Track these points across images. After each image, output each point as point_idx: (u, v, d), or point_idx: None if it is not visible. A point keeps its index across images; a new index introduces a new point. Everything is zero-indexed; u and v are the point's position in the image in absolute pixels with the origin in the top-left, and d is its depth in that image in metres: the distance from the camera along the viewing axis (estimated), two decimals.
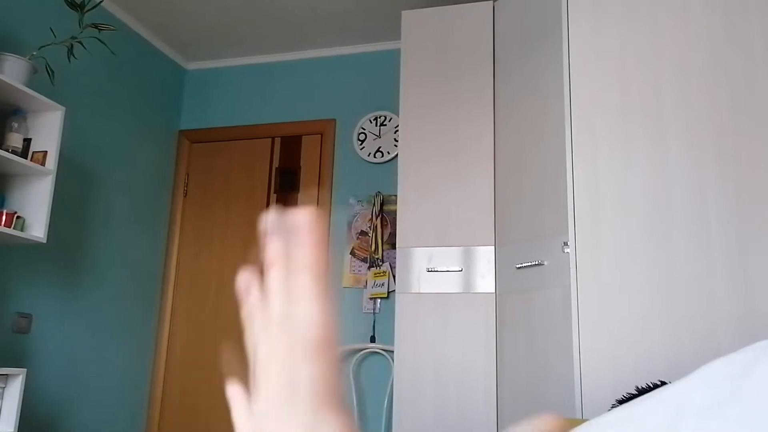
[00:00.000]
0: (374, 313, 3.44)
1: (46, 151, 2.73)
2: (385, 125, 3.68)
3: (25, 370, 2.55)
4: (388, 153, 3.63)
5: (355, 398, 3.38)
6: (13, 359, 2.82)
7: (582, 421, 1.68)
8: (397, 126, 3.54)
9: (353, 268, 3.56)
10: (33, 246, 2.87)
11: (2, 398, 2.49)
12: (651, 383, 1.77)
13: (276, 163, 3.90)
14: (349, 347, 3.40)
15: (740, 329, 1.96)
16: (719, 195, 2.07)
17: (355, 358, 3.41)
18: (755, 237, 2.01)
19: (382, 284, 3.41)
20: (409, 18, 2.93)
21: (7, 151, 2.58)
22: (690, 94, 2.16)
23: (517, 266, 2.40)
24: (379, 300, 3.44)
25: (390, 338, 3.11)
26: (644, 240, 2.10)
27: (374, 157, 3.67)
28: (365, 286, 3.49)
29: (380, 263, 3.46)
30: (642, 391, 1.75)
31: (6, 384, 2.50)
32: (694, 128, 2.13)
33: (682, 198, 2.10)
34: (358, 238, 3.59)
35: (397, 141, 3.55)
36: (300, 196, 3.81)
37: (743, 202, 2.05)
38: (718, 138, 2.11)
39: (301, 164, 3.85)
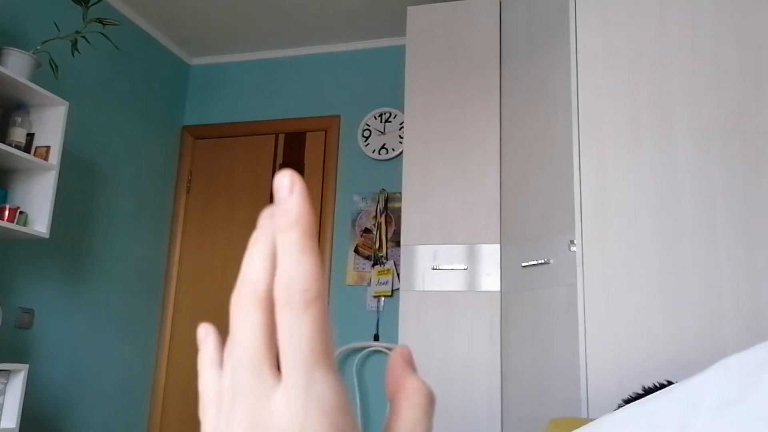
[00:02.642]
0: (378, 312, 3.43)
1: (49, 146, 2.73)
2: (390, 122, 3.67)
3: (28, 365, 2.54)
4: (393, 150, 3.62)
5: (358, 397, 3.37)
6: (16, 355, 2.81)
7: (588, 420, 1.67)
8: (402, 123, 3.53)
9: (357, 266, 3.55)
10: (36, 241, 2.87)
11: (4, 394, 2.48)
12: (657, 383, 1.76)
13: (280, 160, 3.90)
14: (353, 345, 3.39)
15: (746, 328, 1.95)
16: (726, 194, 2.05)
17: (358, 357, 3.40)
18: (762, 236, 2.00)
19: (386, 282, 3.40)
20: (415, 14, 2.92)
21: (10, 145, 2.58)
22: (698, 94, 2.15)
23: (523, 264, 2.39)
24: (382, 298, 3.43)
25: (394, 336, 3.10)
26: (651, 238, 2.08)
27: (379, 154, 3.66)
28: (369, 284, 3.48)
29: (384, 261, 3.45)
30: (648, 391, 1.73)
31: (8, 379, 2.50)
32: (702, 128, 2.12)
33: (689, 197, 2.08)
34: (362, 236, 3.58)
35: (402, 138, 3.53)
36: None
37: (750, 201, 2.03)
38: (726, 137, 2.09)
39: (305, 161, 3.85)
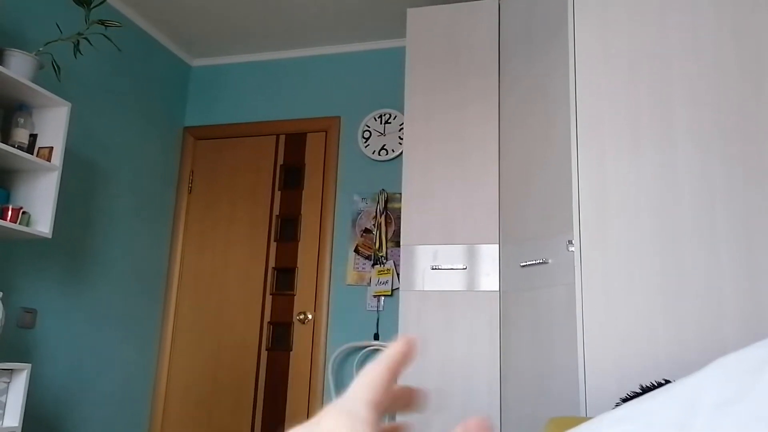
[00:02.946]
0: (378, 311, 3.44)
1: (51, 147, 2.74)
2: (390, 123, 3.68)
3: (30, 365, 2.55)
4: (393, 151, 3.62)
5: None
6: (18, 354, 2.82)
7: (587, 419, 1.68)
8: (402, 124, 3.53)
9: (357, 266, 3.55)
10: (38, 241, 2.87)
11: (7, 393, 2.49)
12: (655, 382, 1.77)
13: (280, 161, 3.90)
14: (353, 344, 3.39)
15: (746, 328, 1.95)
16: (726, 195, 2.06)
17: (358, 356, 3.41)
18: (762, 237, 2.01)
19: (386, 282, 3.41)
20: (415, 15, 2.92)
21: (13, 146, 2.59)
22: (698, 95, 2.15)
23: (522, 264, 2.40)
24: (382, 297, 3.44)
25: (394, 336, 3.11)
26: (650, 238, 2.09)
27: (378, 154, 3.67)
28: (369, 284, 3.49)
29: (384, 261, 3.46)
30: (646, 390, 1.74)
31: (11, 379, 2.51)
32: (702, 129, 2.12)
33: (689, 198, 2.09)
34: (362, 236, 3.59)
35: (401, 139, 3.54)
36: (304, 193, 3.81)
37: (750, 202, 2.04)
38: (726, 138, 2.10)
39: (306, 162, 3.85)
